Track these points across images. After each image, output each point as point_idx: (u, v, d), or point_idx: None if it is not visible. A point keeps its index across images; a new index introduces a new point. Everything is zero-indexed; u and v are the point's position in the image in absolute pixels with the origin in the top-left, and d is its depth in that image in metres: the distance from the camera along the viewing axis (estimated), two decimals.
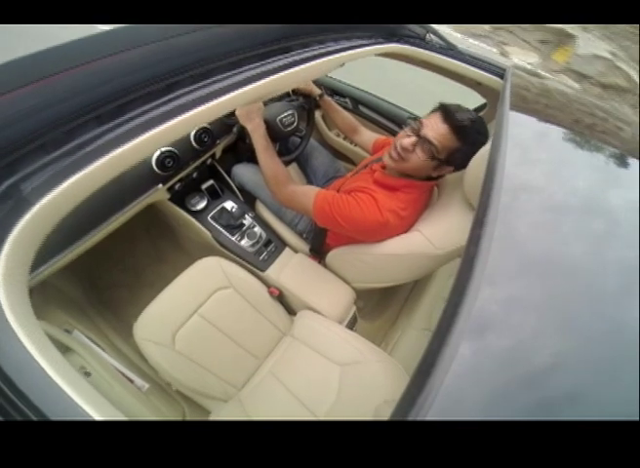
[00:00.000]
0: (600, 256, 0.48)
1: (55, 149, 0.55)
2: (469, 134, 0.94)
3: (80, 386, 0.46)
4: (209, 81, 0.73)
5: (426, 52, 1.17)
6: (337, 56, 0.98)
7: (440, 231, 1.02)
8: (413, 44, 1.18)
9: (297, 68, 0.86)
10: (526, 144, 0.64)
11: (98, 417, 0.43)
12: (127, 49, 0.65)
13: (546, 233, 0.50)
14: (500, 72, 1.15)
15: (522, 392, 0.36)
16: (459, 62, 1.15)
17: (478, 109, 1.46)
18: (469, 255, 0.42)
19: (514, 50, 5.39)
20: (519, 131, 0.65)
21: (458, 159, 0.97)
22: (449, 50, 1.16)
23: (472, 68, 1.14)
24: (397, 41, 1.17)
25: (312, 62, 0.90)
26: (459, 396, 0.35)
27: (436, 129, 0.96)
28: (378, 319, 1.54)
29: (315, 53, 0.92)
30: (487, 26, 5.59)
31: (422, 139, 0.97)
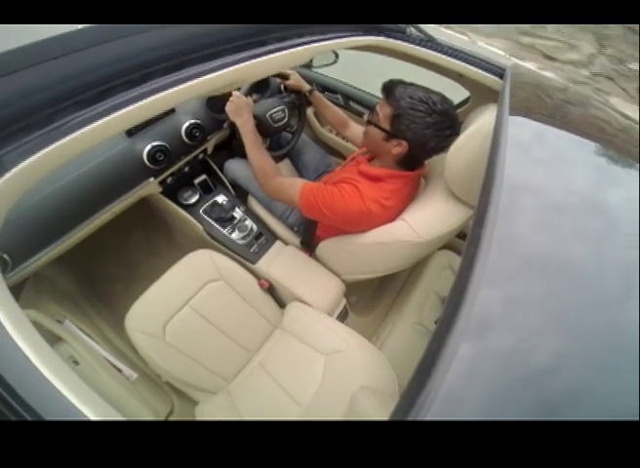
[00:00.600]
0: (600, 256, 0.48)
1: (38, 129, 0.60)
2: (398, 97, 0.98)
3: (64, 374, 0.46)
4: (180, 72, 0.77)
5: (407, 44, 1.17)
6: (313, 46, 0.99)
7: (423, 219, 1.05)
8: (393, 37, 1.18)
9: (270, 56, 0.89)
10: (526, 145, 0.64)
11: (80, 406, 0.43)
12: (105, 42, 0.70)
13: (546, 233, 0.50)
14: (494, 69, 1.15)
15: (523, 392, 0.36)
16: (439, 55, 1.15)
17: (463, 103, 1.47)
18: (469, 255, 0.42)
19: (618, 101, 4.94)
20: (519, 131, 0.66)
21: (403, 129, 0.99)
22: (428, 42, 1.16)
23: (453, 60, 1.15)
24: (377, 34, 1.17)
25: (286, 51, 0.93)
26: (459, 396, 0.35)
27: (381, 100, 1.04)
28: (370, 313, 1.56)
29: (290, 43, 0.95)
30: (586, 72, 5.32)
31: (372, 111, 1.06)
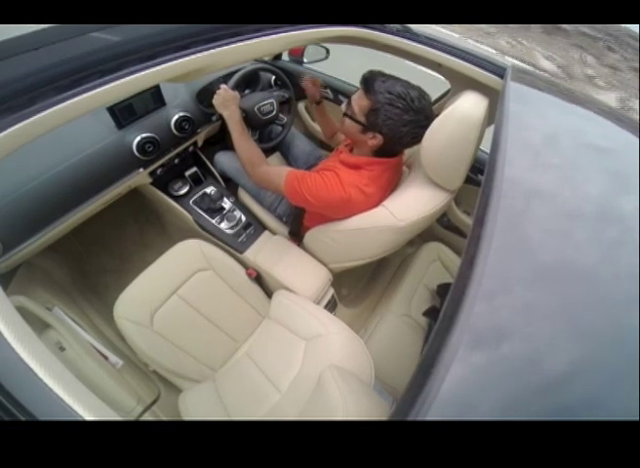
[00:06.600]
0: (614, 263, 0.47)
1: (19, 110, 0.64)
2: (376, 90, 0.97)
3: (45, 359, 0.47)
4: (152, 61, 0.80)
5: (385, 35, 1.17)
6: (287, 34, 1.01)
7: (401, 204, 1.06)
8: (370, 28, 1.17)
9: (241, 43, 0.92)
10: (537, 149, 0.63)
11: (58, 390, 0.44)
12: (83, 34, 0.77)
13: (560, 240, 0.49)
14: (474, 60, 1.13)
15: (535, 400, 0.35)
16: (417, 45, 1.15)
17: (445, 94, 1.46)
18: (469, 255, 0.42)
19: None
20: (529, 134, 0.65)
21: (379, 124, 0.99)
22: (405, 32, 1.16)
23: (432, 50, 1.14)
24: (353, 24, 1.16)
25: (257, 39, 0.95)
26: (470, 404, 0.35)
27: (357, 92, 1.04)
28: (359, 305, 1.57)
29: (263, 33, 0.97)
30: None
31: (348, 102, 1.06)
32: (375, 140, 1.03)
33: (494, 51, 5.21)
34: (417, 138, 1.00)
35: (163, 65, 0.79)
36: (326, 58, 1.68)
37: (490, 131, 0.76)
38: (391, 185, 1.15)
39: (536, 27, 5.89)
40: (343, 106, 1.09)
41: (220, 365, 1.17)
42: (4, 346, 0.45)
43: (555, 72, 4.91)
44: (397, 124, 0.97)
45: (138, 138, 1.17)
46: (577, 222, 0.52)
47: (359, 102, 1.01)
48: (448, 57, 1.12)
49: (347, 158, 1.11)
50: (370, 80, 0.99)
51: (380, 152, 1.08)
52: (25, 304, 1.05)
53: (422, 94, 1.00)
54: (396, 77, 1.01)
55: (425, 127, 0.98)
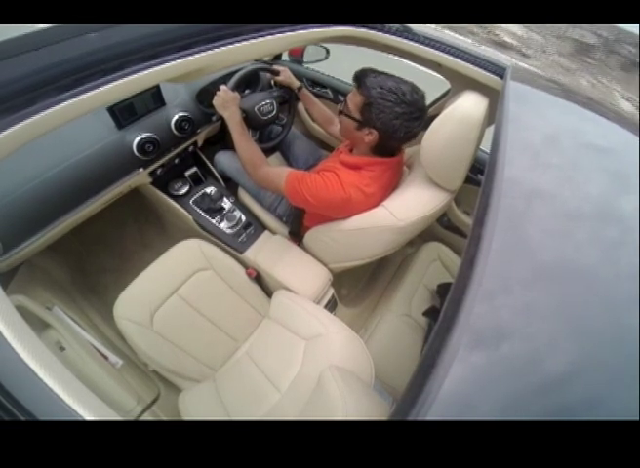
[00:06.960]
0: (614, 263, 0.47)
1: (19, 110, 0.65)
2: (368, 85, 0.98)
3: (45, 359, 0.47)
4: (154, 60, 0.80)
5: (384, 35, 1.17)
6: (286, 35, 1.01)
7: (401, 204, 1.06)
8: (369, 27, 1.17)
9: (241, 44, 0.92)
10: (537, 149, 0.63)
11: (58, 390, 0.44)
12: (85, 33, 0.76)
13: (560, 240, 0.49)
14: (474, 60, 1.12)
15: (535, 400, 0.35)
16: (417, 45, 1.15)
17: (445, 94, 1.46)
18: (469, 255, 0.43)
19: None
20: (529, 134, 0.65)
21: (372, 118, 1.00)
22: (404, 32, 1.16)
23: (431, 50, 1.14)
24: (353, 24, 1.16)
25: (257, 40, 0.95)
26: (470, 404, 0.35)
27: (352, 90, 1.05)
28: (359, 305, 1.57)
29: (263, 33, 0.97)
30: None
31: (344, 101, 1.08)
32: (370, 136, 1.03)
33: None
34: (410, 133, 1.01)
35: (163, 65, 0.80)
36: (326, 58, 1.69)
37: (490, 131, 0.76)
38: (392, 185, 1.16)
39: (614, 64, 5.86)
40: (340, 105, 1.09)
41: (219, 364, 1.17)
42: (4, 346, 0.45)
43: (634, 114, 4.92)
44: (390, 117, 0.98)
45: (138, 138, 1.18)
46: (577, 222, 0.51)
47: (353, 99, 1.03)
48: (448, 56, 1.12)
49: (347, 158, 1.12)
50: (362, 76, 1.00)
51: (378, 150, 1.08)
52: (25, 304, 1.05)
53: (414, 88, 1.01)
54: (388, 73, 1.02)
55: (418, 119, 0.99)
